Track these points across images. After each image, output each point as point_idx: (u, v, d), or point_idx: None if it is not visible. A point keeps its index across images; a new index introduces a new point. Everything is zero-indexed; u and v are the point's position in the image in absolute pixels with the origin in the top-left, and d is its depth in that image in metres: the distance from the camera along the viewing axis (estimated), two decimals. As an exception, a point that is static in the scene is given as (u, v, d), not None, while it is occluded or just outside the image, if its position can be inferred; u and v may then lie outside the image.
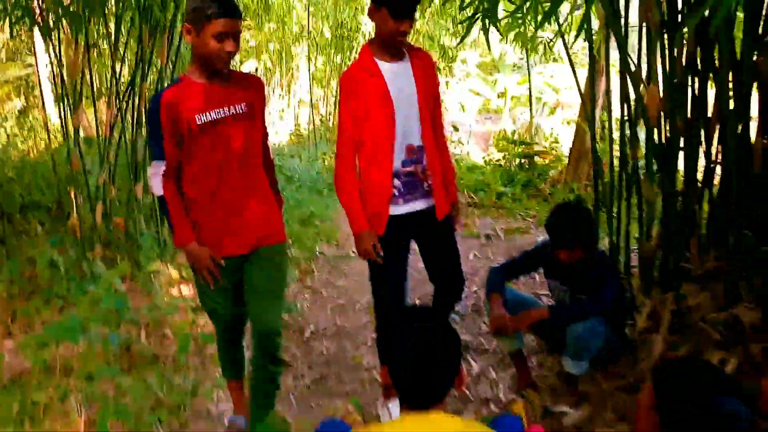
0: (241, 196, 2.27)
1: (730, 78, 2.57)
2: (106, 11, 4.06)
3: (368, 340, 3.44)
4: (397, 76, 2.42)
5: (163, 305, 3.71)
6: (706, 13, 2.27)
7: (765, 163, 2.49)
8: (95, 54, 4.64)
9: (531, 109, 8.52)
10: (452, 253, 2.68)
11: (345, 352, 3.37)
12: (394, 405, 2.60)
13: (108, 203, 4.48)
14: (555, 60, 12.47)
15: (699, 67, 2.69)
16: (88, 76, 4.41)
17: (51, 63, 4.39)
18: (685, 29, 2.61)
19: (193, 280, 4.20)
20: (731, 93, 2.58)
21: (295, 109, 12.73)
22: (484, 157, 8.46)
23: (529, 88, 8.25)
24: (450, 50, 9.94)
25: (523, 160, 7.21)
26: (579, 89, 3.73)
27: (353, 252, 5.00)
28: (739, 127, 2.55)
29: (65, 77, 4.34)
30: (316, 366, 3.23)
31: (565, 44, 3.81)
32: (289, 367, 3.15)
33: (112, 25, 4.66)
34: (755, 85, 2.59)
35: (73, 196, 4.50)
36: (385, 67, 2.40)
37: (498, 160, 7.81)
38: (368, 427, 1.57)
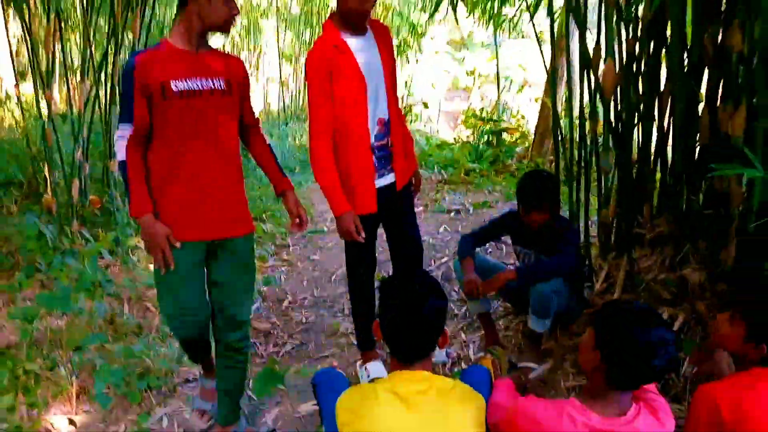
0: (208, 178, 2.13)
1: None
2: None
3: (345, 309, 3.61)
4: (364, 50, 2.44)
5: (143, 279, 3.81)
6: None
7: (710, 136, 2.69)
8: (68, 29, 4.60)
9: (498, 87, 8.70)
10: (415, 222, 2.82)
11: (323, 319, 3.53)
12: (373, 365, 2.78)
13: (83, 180, 4.53)
14: (523, 37, 12.65)
15: (652, 44, 2.87)
16: (59, 51, 4.43)
17: (23, 37, 4.35)
18: (641, 7, 2.79)
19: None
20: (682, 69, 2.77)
21: (264, 87, 12.70)
22: (453, 135, 8.62)
23: (497, 66, 8.43)
24: (419, 26, 10.01)
25: (490, 137, 7.39)
26: (545, 66, 3.89)
27: (326, 227, 5.20)
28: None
29: (38, 52, 4.34)
30: (296, 333, 3.38)
31: (532, 22, 3.97)
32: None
33: None
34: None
35: (47, 172, 4.53)
36: (353, 43, 2.42)
37: (467, 137, 7.98)
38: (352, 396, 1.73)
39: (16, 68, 5.30)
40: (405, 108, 9.23)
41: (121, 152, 2.10)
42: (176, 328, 2.31)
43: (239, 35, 12.36)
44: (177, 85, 2.03)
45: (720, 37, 2.58)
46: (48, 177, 4.50)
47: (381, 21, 2.71)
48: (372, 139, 2.52)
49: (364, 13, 2.38)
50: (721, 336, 1.92)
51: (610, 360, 1.52)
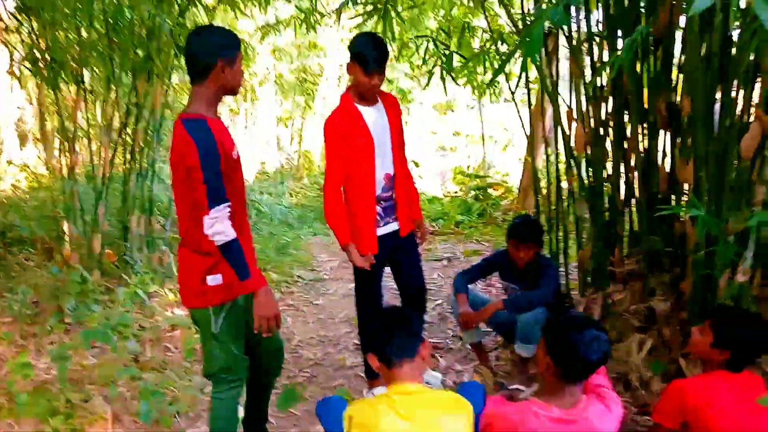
0: (250, 239, 2.38)
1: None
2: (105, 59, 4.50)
3: (350, 346, 3.93)
4: (373, 116, 2.92)
5: (163, 323, 4.12)
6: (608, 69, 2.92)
7: (668, 185, 3.13)
8: (92, 98, 5.05)
9: (483, 146, 9.26)
10: (418, 263, 3.21)
11: (330, 356, 3.85)
12: (379, 390, 3.10)
13: (101, 235, 4.87)
14: (506, 101, 13.37)
15: (616, 109, 3.34)
16: (83, 119, 4.87)
17: (45, 105, 4.79)
18: (604, 77, 3.28)
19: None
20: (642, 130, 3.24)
21: (259, 149, 13.22)
22: (442, 190, 9.10)
23: (482, 127, 9.00)
24: (408, 93, 10.66)
25: (478, 192, 7.87)
26: (523, 126, 4.38)
27: (326, 275, 5.55)
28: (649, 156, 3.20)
29: (64, 119, 4.77)
30: (306, 368, 3.69)
31: (510, 90, 4.47)
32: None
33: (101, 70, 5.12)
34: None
35: (67, 228, 4.88)
36: (364, 111, 2.88)
37: (455, 193, 8.46)
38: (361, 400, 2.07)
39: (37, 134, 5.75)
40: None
41: (230, 231, 2.08)
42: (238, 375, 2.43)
43: (235, 101, 13.01)
44: (235, 153, 2.20)
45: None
46: (68, 232, 4.84)
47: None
48: (379, 191, 2.96)
49: (371, 88, 2.85)
50: (693, 343, 2.31)
51: (557, 360, 1.87)
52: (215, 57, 2.12)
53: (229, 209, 2.09)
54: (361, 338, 3.25)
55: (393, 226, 3.04)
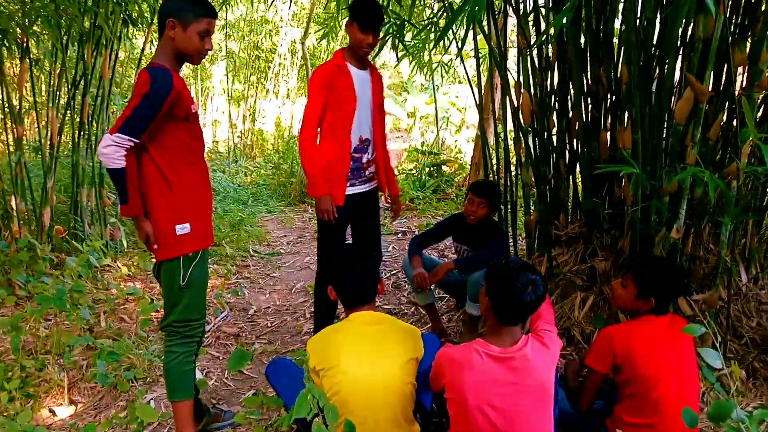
0: (208, 191, 2.43)
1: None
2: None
3: (306, 313, 4.00)
4: (360, 80, 3.02)
5: (118, 295, 4.10)
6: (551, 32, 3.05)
7: (609, 151, 3.29)
8: (38, 69, 4.92)
9: (437, 125, 9.39)
10: (378, 232, 3.32)
11: (286, 324, 3.92)
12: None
13: (51, 210, 4.78)
14: (460, 82, 13.54)
15: (560, 79, 3.48)
16: (29, 90, 4.75)
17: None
18: (550, 49, 3.41)
19: (145, 274, 4.61)
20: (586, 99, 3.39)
21: (212, 128, 13.06)
22: (397, 166, 9.19)
23: (435, 108, 9.12)
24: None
25: (432, 169, 8.00)
26: (475, 100, 4.49)
27: (283, 249, 5.59)
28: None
29: (7, 91, 4.65)
30: (263, 335, 3.75)
31: (463, 65, 4.60)
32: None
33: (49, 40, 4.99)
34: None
35: (14, 203, 4.77)
36: (354, 71, 2.99)
37: (410, 170, 8.56)
38: (322, 332, 2.21)
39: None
40: (351, 145, 9.77)
41: (119, 160, 2.14)
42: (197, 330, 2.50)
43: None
44: (193, 107, 2.30)
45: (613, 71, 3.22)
46: (16, 207, 4.73)
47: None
48: (351, 150, 3.03)
49: (366, 48, 2.95)
50: (617, 297, 2.48)
51: (494, 301, 2.02)
52: (168, 16, 2.20)
53: (131, 144, 2.13)
54: (316, 292, 3.26)
55: (359, 189, 3.12)
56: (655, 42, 2.96)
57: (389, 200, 3.35)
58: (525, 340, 2.03)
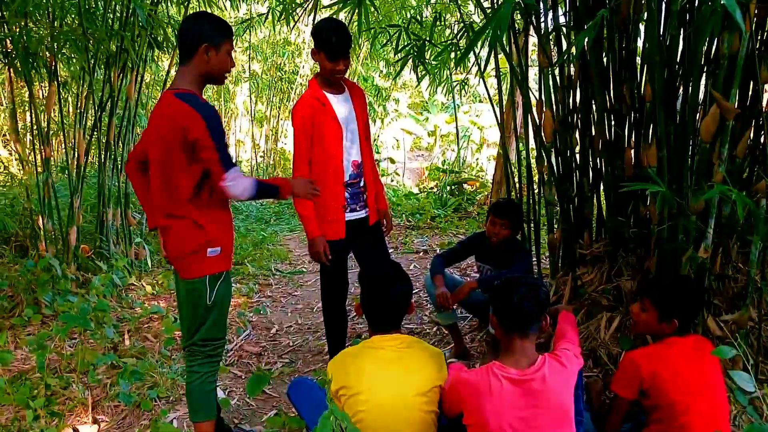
0: (230, 211, 2.50)
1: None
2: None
3: (328, 332, 3.99)
4: (341, 104, 2.96)
5: (142, 314, 4.14)
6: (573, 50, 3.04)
7: (633, 169, 3.25)
8: (66, 92, 5.04)
9: (458, 143, 9.39)
10: (386, 251, 3.28)
11: (308, 343, 3.91)
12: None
13: (78, 228, 4.86)
14: (480, 100, 13.56)
15: (583, 97, 3.46)
16: (57, 113, 4.86)
17: (25, 99, 4.77)
18: (572, 68, 3.40)
19: (169, 293, 4.64)
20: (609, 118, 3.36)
21: (235, 148, 13.22)
22: (418, 184, 9.21)
23: (456, 126, 9.15)
24: (383, 90, 10.76)
25: (453, 188, 7.99)
26: (496, 118, 4.49)
27: (305, 268, 5.61)
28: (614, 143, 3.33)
29: (36, 113, 4.75)
30: (285, 354, 3.75)
31: (484, 84, 4.59)
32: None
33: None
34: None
35: (41, 223, 4.85)
36: (331, 98, 2.92)
37: (431, 188, 8.58)
38: (343, 354, 2.19)
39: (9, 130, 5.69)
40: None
41: (248, 186, 2.27)
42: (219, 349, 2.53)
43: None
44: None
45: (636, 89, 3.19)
46: (43, 227, 4.81)
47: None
48: (346, 178, 3.00)
49: (337, 74, 2.88)
50: (639, 324, 2.43)
51: (498, 313, 2.04)
52: (201, 41, 2.23)
53: (240, 170, 2.25)
54: (326, 324, 3.28)
55: (360, 214, 3.07)
56: (678, 59, 2.93)
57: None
58: (542, 360, 1.99)
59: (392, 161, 10.38)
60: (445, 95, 7.26)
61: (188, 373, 2.44)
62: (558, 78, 3.41)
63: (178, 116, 2.18)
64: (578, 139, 3.48)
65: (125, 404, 2.99)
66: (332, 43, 2.77)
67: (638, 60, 3.28)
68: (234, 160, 2.26)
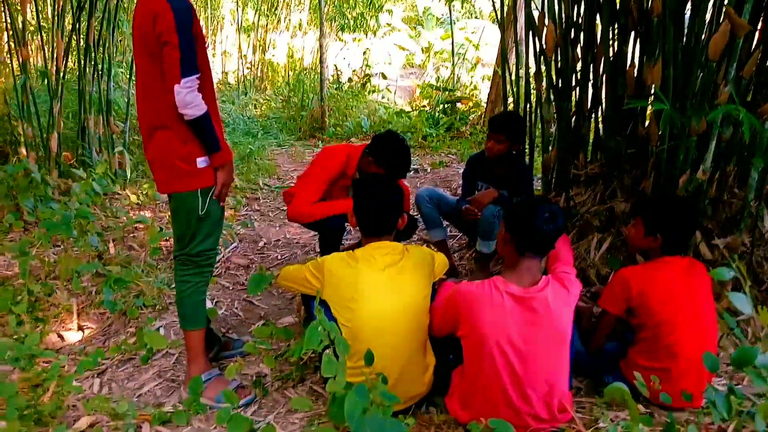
0: (220, 122, 2.33)
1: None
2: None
3: (316, 246, 3.95)
4: None
5: (126, 223, 4.07)
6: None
7: (635, 88, 3.14)
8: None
9: (453, 61, 9.11)
10: None
11: (296, 256, 3.89)
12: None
13: (59, 135, 4.70)
14: (476, 17, 13.08)
15: (587, 10, 3.29)
16: (32, 12, 4.59)
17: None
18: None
19: (154, 203, 4.57)
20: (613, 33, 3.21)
21: (222, 59, 12.78)
22: (410, 102, 9.00)
23: (452, 42, 8.82)
24: (376, 0, 10.33)
25: (446, 106, 7.81)
26: (496, 18, 4.30)
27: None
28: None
29: (10, 12, 4.49)
30: (273, 267, 3.73)
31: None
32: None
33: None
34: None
35: (21, 129, 4.68)
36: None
37: (423, 107, 8.38)
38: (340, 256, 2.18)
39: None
40: (363, 79, 9.55)
41: (199, 104, 2.09)
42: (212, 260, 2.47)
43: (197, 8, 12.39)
44: (200, 26, 2.18)
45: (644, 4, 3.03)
46: (23, 132, 4.64)
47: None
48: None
49: None
50: (628, 238, 2.42)
51: (513, 231, 1.99)
52: None
53: (198, 81, 2.07)
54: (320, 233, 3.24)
55: None
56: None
57: None
58: (545, 281, 1.97)
59: (384, 77, 10.08)
60: (445, 2, 6.91)
61: (179, 282, 2.40)
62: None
63: (149, 5, 2.04)
64: (579, 54, 3.35)
65: (110, 311, 2.97)
66: (394, 167, 2.95)
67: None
68: (197, 72, 2.07)
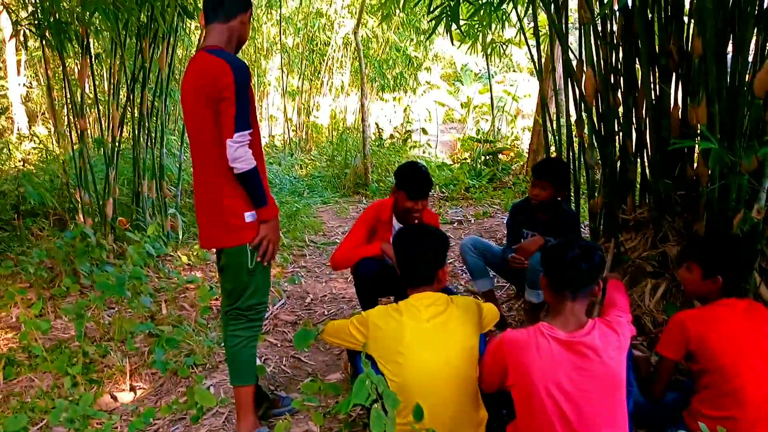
0: (266, 180, 2.37)
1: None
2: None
3: (362, 301, 3.95)
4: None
5: (177, 283, 4.16)
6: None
7: (680, 129, 3.09)
8: (98, 65, 5.04)
9: (492, 111, 9.19)
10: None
11: (342, 311, 3.88)
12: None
13: (114, 200, 4.90)
14: (514, 70, 13.23)
15: (626, 53, 3.29)
16: (90, 86, 4.86)
17: (60, 76, 4.78)
18: (614, 22, 3.23)
19: (205, 264, 4.66)
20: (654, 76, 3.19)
21: (268, 123, 13.22)
22: (451, 156, 9.06)
23: (491, 95, 8.93)
24: (415, 60, 10.58)
25: (487, 158, 7.83)
26: (535, 68, 4.33)
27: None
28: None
29: (70, 87, 4.77)
30: (320, 323, 3.72)
31: (526, 42, 4.41)
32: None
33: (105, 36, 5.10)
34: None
35: (78, 196, 4.90)
36: (396, 225, 3.18)
37: (465, 159, 8.42)
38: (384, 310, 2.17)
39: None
40: (404, 135, 9.69)
41: (249, 158, 2.15)
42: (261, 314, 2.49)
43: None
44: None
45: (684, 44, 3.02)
46: (80, 200, 4.85)
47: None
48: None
49: (413, 213, 3.02)
50: (685, 284, 2.33)
51: (549, 271, 1.97)
52: (243, 6, 2.28)
53: (250, 138, 2.15)
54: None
55: None
56: (730, 8, 2.74)
57: None
58: (592, 324, 1.91)
59: (424, 132, 10.22)
60: (483, 54, 7.01)
61: (230, 337, 2.41)
62: (600, 34, 3.25)
63: (208, 66, 2.15)
64: (621, 99, 3.33)
65: (162, 372, 3.00)
66: (414, 186, 2.97)
67: (686, 7, 3.12)
68: (250, 128, 2.15)
